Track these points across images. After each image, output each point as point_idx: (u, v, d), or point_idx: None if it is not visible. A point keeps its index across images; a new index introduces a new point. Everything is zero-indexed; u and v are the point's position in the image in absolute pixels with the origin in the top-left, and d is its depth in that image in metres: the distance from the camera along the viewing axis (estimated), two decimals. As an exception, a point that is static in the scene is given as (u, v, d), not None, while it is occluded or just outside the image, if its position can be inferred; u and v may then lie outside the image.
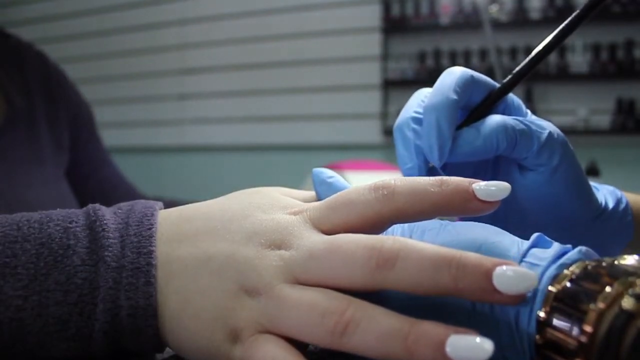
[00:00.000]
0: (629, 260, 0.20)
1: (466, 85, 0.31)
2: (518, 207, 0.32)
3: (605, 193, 0.34)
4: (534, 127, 0.30)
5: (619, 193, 0.35)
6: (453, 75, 0.31)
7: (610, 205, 0.33)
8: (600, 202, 0.33)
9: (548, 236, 0.24)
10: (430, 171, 0.31)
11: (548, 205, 0.32)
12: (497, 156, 0.33)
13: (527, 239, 0.23)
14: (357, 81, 2.54)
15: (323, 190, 0.28)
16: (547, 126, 0.31)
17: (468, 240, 0.23)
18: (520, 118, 0.31)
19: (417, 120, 0.31)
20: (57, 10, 2.98)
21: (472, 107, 0.32)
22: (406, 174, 0.31)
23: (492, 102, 0.32)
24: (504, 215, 0.32)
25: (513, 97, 0.33)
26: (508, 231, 0.24)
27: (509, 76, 0.32)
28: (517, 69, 0.32)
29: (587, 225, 0.32)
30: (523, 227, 0.32)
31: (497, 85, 0.33)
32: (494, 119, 0.30)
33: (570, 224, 0.32)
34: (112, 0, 2.89)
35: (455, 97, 0.30)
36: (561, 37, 0.32)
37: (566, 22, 0.32)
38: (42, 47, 0.69)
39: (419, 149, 0.31)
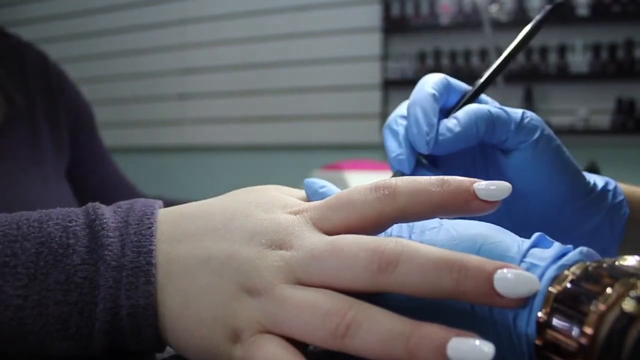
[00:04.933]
0: (630, 261, 0.20)
1: (443, 86, 0.34)
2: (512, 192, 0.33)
3: (592, 176, 0.35)
4: (507, 109, 0.33)
5: (606, 178, 0.36)
6: (430, 78, 0.34)
7: (600, 185, 0.34)
8: (588, 180, 0.34)
9: (546, 222, 0.24)
10: (419, 160, 0.33)
11: (538, 183, 0.33)
12: (482, 148, 0.35)
13: (525, 229, 0.23)
14: (357, 81, 2.54)
15: (317, 200, 0.28)
16: (520, 110, 0.33)
17: (468, 240, 0.23)
18: (495, 104, 0.33)
19: (404, 118, 0.34)
20: (57, 10, 2.98)
21: (448, 109, 0.35)
22: (394, 163, 0.33)
23: (466, 101, 0.34)
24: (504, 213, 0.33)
25: (487, 98, 0.36)
26: (508, 221, 0.24)
27: (481, 78, 0.35)
28: (489, 71, 0.35)
29: (581, 203, 0.33)
30: (518, 215, 0.33)
31: (471, 88, 0.35)
32: (470, 107, 0.33)
33: (563, 202, 0.33)
34: (112, 0, 2.89)
35: (435, 92, 0.33)
36: (528, 37, 0.35)
37: (534, 20, 0.35)
38: (42, 47, 0.68)
39: (406, 139, 0.33)
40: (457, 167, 0.36)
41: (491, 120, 0.32)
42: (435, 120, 0.32)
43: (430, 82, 0.33)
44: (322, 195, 0.28)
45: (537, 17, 0.35)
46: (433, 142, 0.31)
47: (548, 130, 0.33)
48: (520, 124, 0.32)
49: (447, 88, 0.34)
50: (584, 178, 0.34)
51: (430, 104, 0.32)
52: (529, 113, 0.33)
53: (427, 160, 0.34)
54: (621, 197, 0.35)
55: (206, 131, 2.81)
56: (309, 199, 0.29)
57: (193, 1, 2.79)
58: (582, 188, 0.34)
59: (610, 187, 0.35)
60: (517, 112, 0.33)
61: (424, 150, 0.32)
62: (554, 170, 0.33)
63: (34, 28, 2.91)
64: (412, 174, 0.33)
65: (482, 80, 0.35)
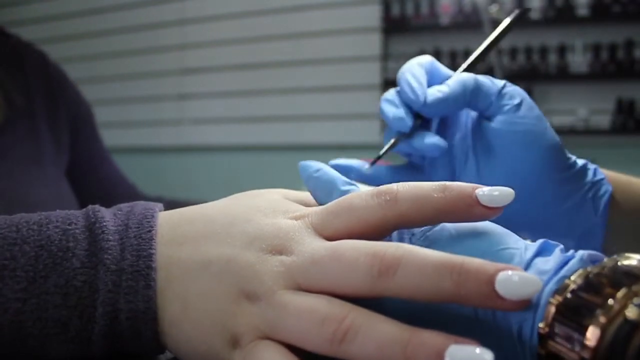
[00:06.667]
0: (632, 260, 0.19)
1: (429, 64, 0.38)
2: (496, 160, 0.36)
3: (573, 156, 0.37)
4: (492, 79, 0.36)
5: (585, 160, 0.38)
6: (418, 57, 0.38)
7: (580, 163, 0.36)
8: (569, 156, 0.36)
9: (526, 193, 0.28)
10: (415, 124, 0.36)
11: (518, 146, 0.35)
12: (474, 127, 0.38)
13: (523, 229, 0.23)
14: (357, 81, 2.54)
15: (312, 185, 0.28)
16: (503, 81, 0.37)
17: (471, 249, 0.23)
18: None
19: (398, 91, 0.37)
20: (57, 10, 2.98)
21: None
22: (394, 123, 0.36)
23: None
24: None
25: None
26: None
27: (466, 62, 0.39)
28: (474, 54, 0.39)
29: (561, 176, 0.35)
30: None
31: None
32: (457, 74, 0.37)
33: (542, 170, 0.35)
34: (112, 0, 2.89)
35: (423, 63, 0.37)
36: (496, 41, 0.39)
37: (502, 24, 0.39)
38: (42, 47, 0.68)
39: (402, 102, 0.36)
40: (450, 136, 0.39)
41: (477, 85, 0.35)
42: (424, 81, 0.36)
43: (418, 58, 0.38)
44: (317, 180, 0.27)
45: (507, 20, 0.39)
46: (425, 96, 0.35)
47: (530, 101, 0.36)
48: (502, 90, 0.36)
49: (430, 65, 0.38)
50: (564, 152, 0.36)
51: (418, 70, 0.36)
52: (511, 84, 0.36)
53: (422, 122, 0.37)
54: (601, 176, 0.36)
55: (206, 131, 2.81)
56: (305, 184, 0.28)
57: (193, 1, 2.79)
58: (562, 160, 0.35)
59: (591, 166, 0.37)
60: (500, 82, 0.36)
61: (419, 102, 0.35)
62: (534, 136, 0.35)
63: (34, 28, 2.91)
64: (411, 135, 0.36)
65: (466, 63, 0.38)
